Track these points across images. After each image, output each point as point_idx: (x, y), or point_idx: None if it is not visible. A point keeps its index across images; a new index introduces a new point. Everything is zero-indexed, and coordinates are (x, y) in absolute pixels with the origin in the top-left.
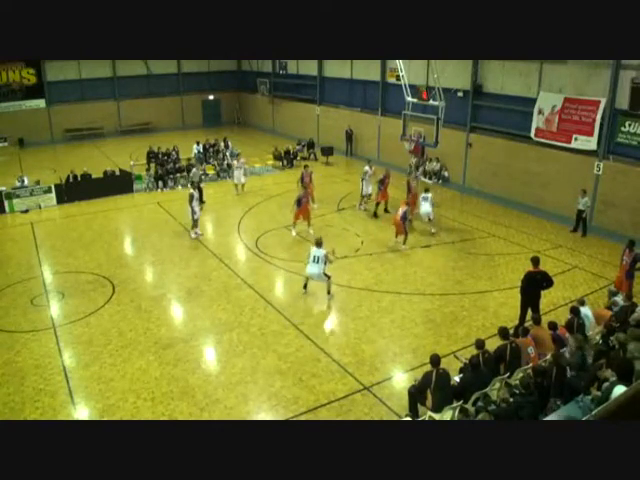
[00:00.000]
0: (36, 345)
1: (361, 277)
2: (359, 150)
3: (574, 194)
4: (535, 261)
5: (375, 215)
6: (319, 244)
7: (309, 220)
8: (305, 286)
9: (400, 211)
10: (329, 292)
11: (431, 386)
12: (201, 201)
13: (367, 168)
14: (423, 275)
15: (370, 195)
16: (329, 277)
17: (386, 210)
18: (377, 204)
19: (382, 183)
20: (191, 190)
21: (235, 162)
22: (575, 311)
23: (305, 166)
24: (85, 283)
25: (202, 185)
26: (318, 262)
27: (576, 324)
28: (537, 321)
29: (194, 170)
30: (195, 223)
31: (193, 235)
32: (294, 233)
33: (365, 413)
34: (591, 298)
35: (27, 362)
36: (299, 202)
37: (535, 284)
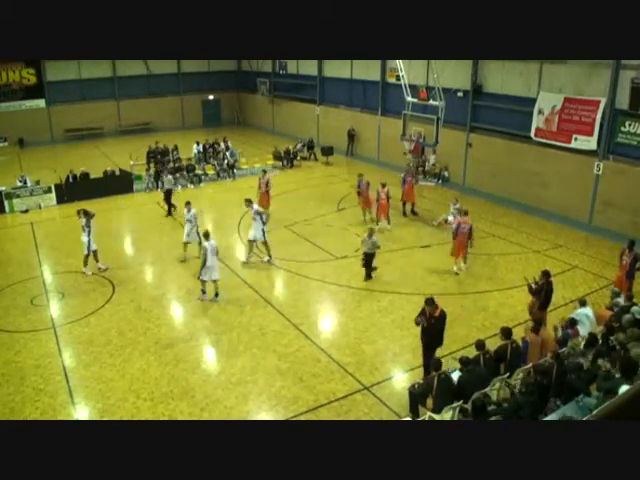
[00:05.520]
0: (36, 345)
1: (361, 277)
2: (359, 150)
3: (574, 194)
4: (430, 301)
5: (404, 214)
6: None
7: (267, 204)
8: (204, 292)
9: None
10: (216, 294)
11: (433, 392)
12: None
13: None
14: (423, 275)
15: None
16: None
17: (413, 211)
18: (404, 204)
19: (404, 182)
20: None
21: (185, 211)
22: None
23: (263, 171)
24: (85, 283)
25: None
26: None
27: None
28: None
29: (168, 177)
30: (87, 258)
31: (89, 272)
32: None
33: (365, 413)
34: (591, 298)
35: (27, 362)
36: (266, 184)
37: (441, 323)
